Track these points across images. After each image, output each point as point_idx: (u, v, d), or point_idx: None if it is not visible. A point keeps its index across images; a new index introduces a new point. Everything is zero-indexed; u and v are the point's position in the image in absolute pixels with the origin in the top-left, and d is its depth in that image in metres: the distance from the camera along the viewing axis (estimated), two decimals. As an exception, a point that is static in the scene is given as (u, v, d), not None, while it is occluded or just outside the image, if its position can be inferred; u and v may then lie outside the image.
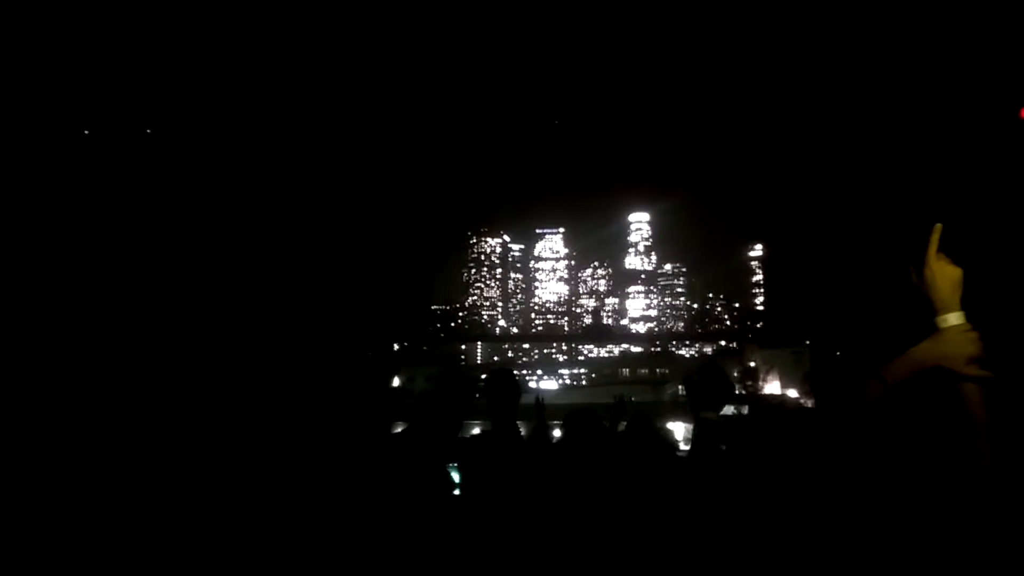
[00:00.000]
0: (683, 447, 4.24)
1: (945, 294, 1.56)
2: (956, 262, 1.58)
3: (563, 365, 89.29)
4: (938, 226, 1.59)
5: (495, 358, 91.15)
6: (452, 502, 3.00)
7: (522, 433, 3.40)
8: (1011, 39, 3.11)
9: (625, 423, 2.76)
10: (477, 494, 2.98)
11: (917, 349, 1.57)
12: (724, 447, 2.89)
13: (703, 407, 3.08)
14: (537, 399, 3.81)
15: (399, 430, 3.51)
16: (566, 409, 3.38)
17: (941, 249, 1.59)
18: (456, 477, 3.04)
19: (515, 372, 3.75)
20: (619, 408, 4.14)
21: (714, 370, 3.17)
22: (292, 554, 2.70)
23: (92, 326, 3.39)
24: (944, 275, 1.56)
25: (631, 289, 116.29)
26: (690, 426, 3.23)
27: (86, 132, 3.84)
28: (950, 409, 1.56)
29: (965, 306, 1.56)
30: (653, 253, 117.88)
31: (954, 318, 1.55)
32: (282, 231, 4.00)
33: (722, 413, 3.29)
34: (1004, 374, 1.54)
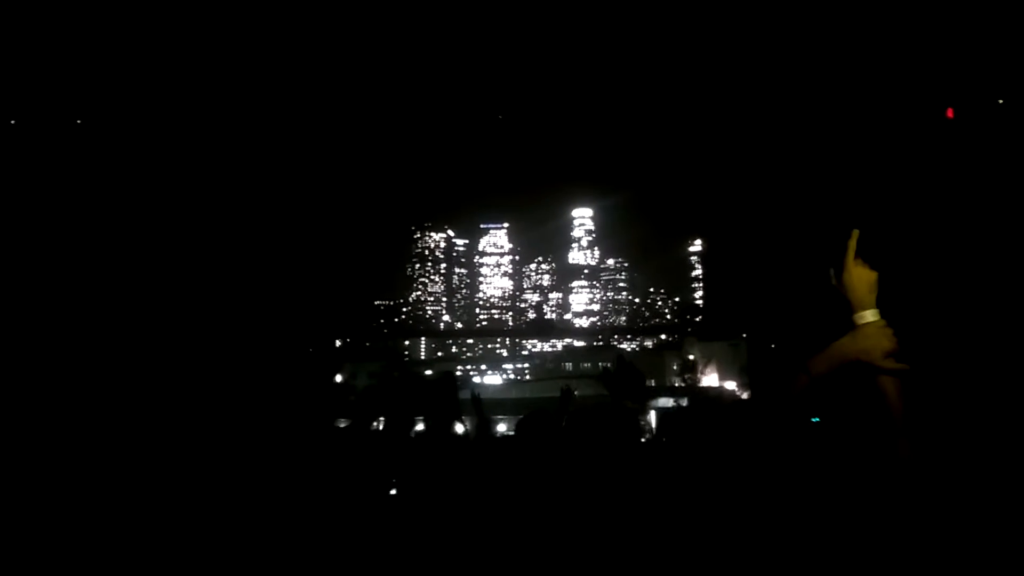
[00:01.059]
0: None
1: (862, 294, 1.67)
2: (872, 266, 1.69)
3: (507, 360, 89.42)
4: (855, 232, 1.70)
5: (439, 353, 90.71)
6: (392, 500, 3.01)
7: (463, 430, 3.42)
8: (938, 39, 3.24)
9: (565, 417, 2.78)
10: (419, 493, 3.00)
11: (839, 344, 1.67)
12: (664, 438, 3.00)
13: (623, 397, 3.26)
14: (473, 394, 3.75)
15: (342, 426, 3.50)
16: (510, 404, 3.41)
17: (859, 254, 1.69)
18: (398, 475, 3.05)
19: (458, 369, 3.75)
20: (565, 399, 3.91)
21: (623, 363, 3.42)
22: (238, 549, 2.68)
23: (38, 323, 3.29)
24: (861, 278, 1.67)
25: (574, 284, 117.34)
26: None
27: (10, 121, 3.71)
28: (870, 401, 1.66)
29: (880, 304, 1.67)
30: (596, 248, 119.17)
31: (870, 315, 1.66)
32: (224, 228, 3.93)
33: (662, 405, 3.43)
34: (919, 367, 1.65)
